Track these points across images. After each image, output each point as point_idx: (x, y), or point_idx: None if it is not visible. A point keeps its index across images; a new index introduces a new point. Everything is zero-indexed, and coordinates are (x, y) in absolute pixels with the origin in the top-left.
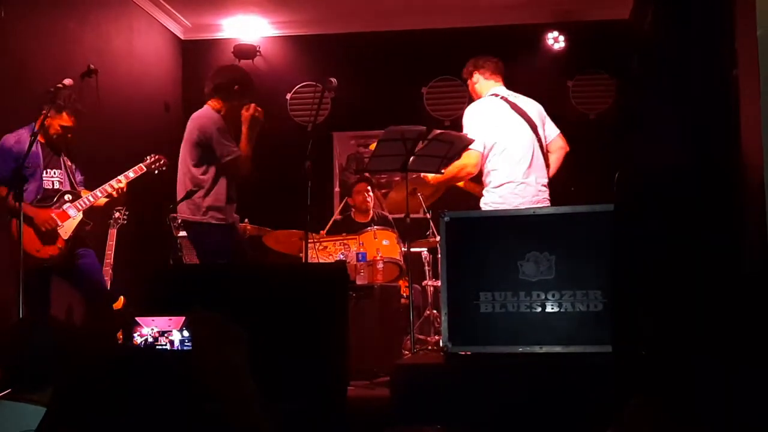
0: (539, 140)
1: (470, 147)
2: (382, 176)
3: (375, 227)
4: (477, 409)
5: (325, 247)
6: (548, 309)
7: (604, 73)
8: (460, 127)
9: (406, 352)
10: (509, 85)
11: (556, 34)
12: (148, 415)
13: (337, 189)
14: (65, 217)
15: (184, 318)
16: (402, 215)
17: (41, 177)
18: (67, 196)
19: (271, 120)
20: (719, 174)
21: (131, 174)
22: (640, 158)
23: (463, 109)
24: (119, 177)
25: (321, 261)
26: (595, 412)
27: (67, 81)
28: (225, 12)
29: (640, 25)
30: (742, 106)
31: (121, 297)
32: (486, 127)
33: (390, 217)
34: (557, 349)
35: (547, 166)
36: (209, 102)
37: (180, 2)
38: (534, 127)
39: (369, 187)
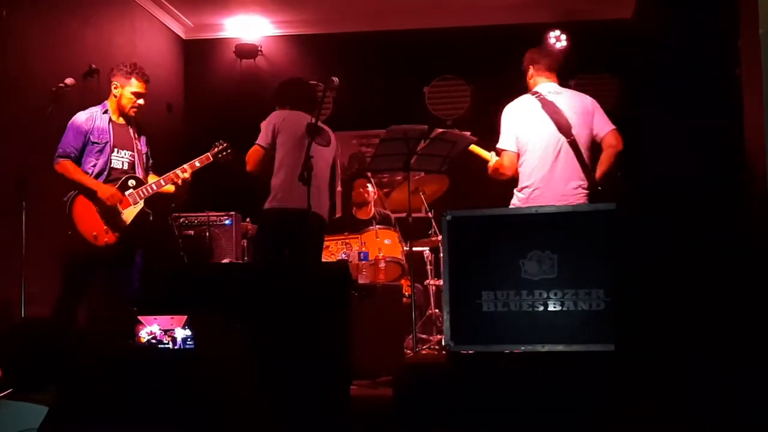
0: (571, 140)
1: (505, 148)
2: (384, 176)
3: (377, 226)
4: (479, 408)
5: (327, 247)
6: (550, 308)
7: (606, 72)
8: (462, 127)
9: (408, 352)
10: (555, 79)
11: (558, 33)
12: (150, 414)
13: (339, 189)
14: (126, 203)
15: (186, 317)
16: (404, 214)
17: (110, 155)
18: (131, 182)
19: None
20: (722, 173)
21: (197, 163)
22: (643, 157)
23: (464, 109)
24: (184, 166)
25: (323, 260)
26: (597, 411)
27: (70, 80)
28: (227, 11)
29: (642, 25)
30: (744, 105)
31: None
32: (513, 127)
33: (392, 216)
34: (560, 348)
35: (588, 165)
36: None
37: (182, 2)
38: (565, 127)
39: (368, 184)
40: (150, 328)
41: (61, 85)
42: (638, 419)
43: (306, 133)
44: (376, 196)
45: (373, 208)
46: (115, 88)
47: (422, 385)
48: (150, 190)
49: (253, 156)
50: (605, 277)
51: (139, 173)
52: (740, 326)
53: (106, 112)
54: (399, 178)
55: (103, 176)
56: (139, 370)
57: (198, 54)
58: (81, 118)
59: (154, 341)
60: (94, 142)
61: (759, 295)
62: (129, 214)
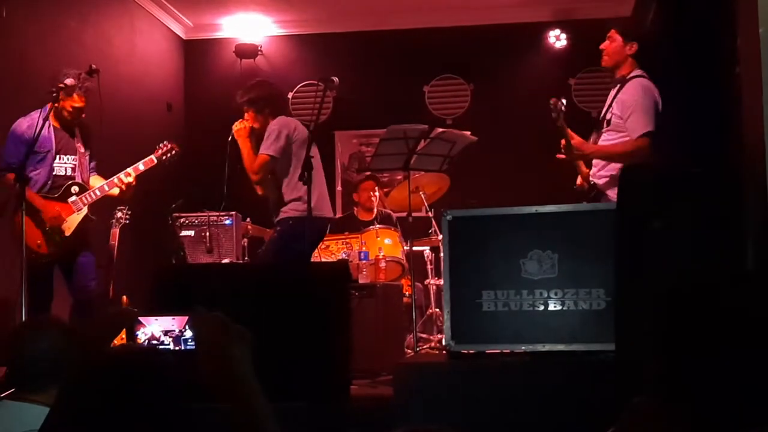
0: (597, 136)
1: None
2: (384, 175)
3: (377, 226)
4: (480, 407)
5: (328, 246)
6: (551, 307)
7: (606, 70)
8: (462, 126)
9: (409, 351)
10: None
11: (557, 32)
12: (152, 415)
13: (339, 188)
14: (69, 211)
15: (187, 317)
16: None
17: (52, 163)
18: (74, 188)
19: None
20: (722, 171)
21: (141, 167)
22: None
23: (464, 108)
24: (128, 170)
25: (323, 260)
26: (597, 411)
27: (69, 81)
28: (226, 11)
29: (642, 23)
30: (744, 104)
31: (124, 297)
32: None
33: (394, 216)
34: (560, 347)
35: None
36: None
37: (182, 2)
38: (599, 123)
39: (376, 187)
40: (150, 329)
41: (61, 85)
42: (639, 419)
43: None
44: (380, 198)
45: (375, 209)
46: (59, 95)
47: (422, 385)
48: (94, 196)
49: (263, 167)
50: (605, 276)
51: (81, 177)
52: (742, 326)
53: (46, 118)
54: (399, 177)
55: (48, 185)
56: (141, 371)
57: (198, 54)
58: (22, 126)
59: (155, 342)
60: (36, 152)
61: (761, 294)
62: (72, 222)
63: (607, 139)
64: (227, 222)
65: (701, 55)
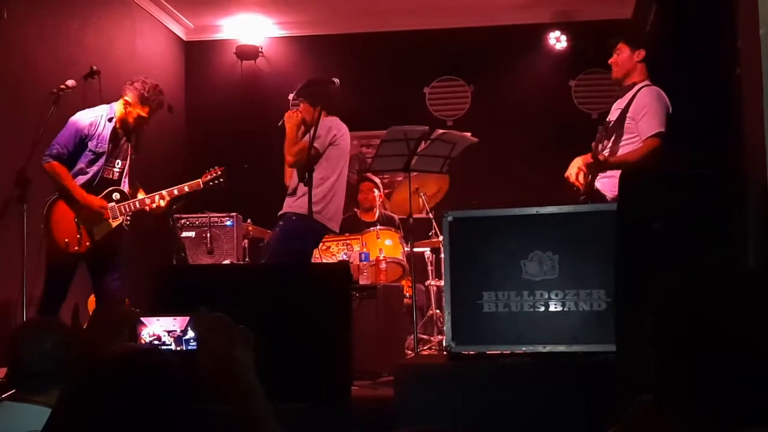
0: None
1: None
2: (385, 176)
3: (378, 227)
4: (480, 408)
5: (328, 247)
6: (551, 308)
7: (606, 72)
8: (463, 127)
9: (410, 352)
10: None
11: (558, 33)
12: (154, 415)
13: None
14: (106, 215)
15: (188, 317)
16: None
17: (103, 165)
18: (116, 195)
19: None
20: (722, 172)
21: (186, 188)
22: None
23: (464, 110)
24: (173, 189)
25: (324, 261)
26: (598, 411)
27: (70, 82)
28: (227, 13)
29: (642, 25)
30: (744, 105)
31: (126, 300)
32: None
33: (396, 217)
34: (561, 348)
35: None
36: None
37: (182, 3)
38: (606, 126)
39: (374, 188)
40: (152, 329)
41: (62, 86)
42: (640, 420)
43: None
44: (381, 200)
45: (377, 211)
46: (126, 102)
47: (423, 386)
48: (132, 207)
49: (302, 152)
50: (606, 277)
51: (125, 186)
52: (743, 326)
53: (111, 119)
54: (400, 178)
55: (92, 186)
56: (143, 371)
57: (199, 55)
58: (84, 120)
59: (156, 342)
60: (91, 150)
61: (762, 293)
62: (105, 227)
63: (626, 142)
64: (228, 223)
65: (702, 57)
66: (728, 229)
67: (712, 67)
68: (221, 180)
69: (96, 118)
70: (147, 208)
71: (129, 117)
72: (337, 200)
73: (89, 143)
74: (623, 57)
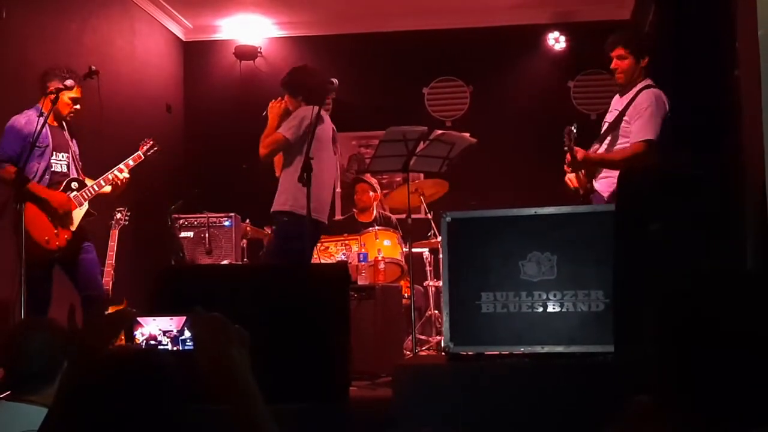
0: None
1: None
2: (383, 176)
3: (377, 227)
4: (479, 408)
5: (327, 248)
6: (550, 309)
7: (605, 73)
8: (461, 128)
9: (408, 353)
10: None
11: (557, 34)
12: (151, 415)
13: (338, 190)
14: (72, 206)
15: (184, 317)
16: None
17: (50, 159)
18: (74, 184)
19: None
20: (720, 173)
21: (131, 162)
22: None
23: (463, 110)
24: (120, 166)
25: (322, 261)
26: (596, 412)
27: (69, 82)
28: (226, 13)
29: (641, 26)
30: (743, 106)
31: (124, 300)
32: None
33: (393, 218)
34: (559, 349)
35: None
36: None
37: (181, 3)
38: (603, 132)
39: (370, 190)
40: (148, 329)
41: (61, 86)
42: (638, 420)
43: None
44: (377, 200)
45: (375, 211)
46: (50, 91)
47: (422, 386)
48: (92, 192)
49: (274, 144)
50: (604, 278)
51: (74, 174)
52: (743, 326)
53: (41, 115)
54: (398, 179)
55: (45, 180)
56: (140, 371)
57: (197, 55)
58: (21, 121)
59: (153, 342)
60: (37, 146)
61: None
62: (76, 217)
63: (620, 143)
64: (226, 223)
65: (700, 58)
66: (727, 230)
67: (711, 67)
68: (156, 149)
69: (29, 117)
70: (108, 187)
71: (62, 107)
72: (318, 192)
73: (33, 140)
74: (628, 63)
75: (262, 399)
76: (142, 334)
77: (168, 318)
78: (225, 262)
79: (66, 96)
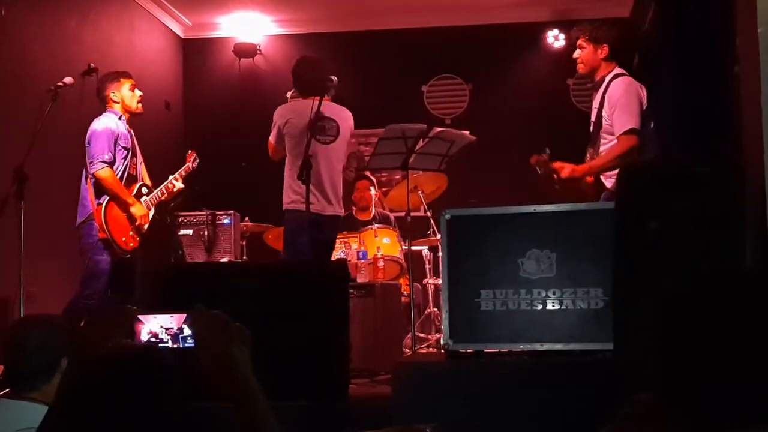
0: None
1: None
2: (383, 174)
3: (376, 225)
4: (478, 406)
5: None
6: (549, 306)
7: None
8: (461, 125)
9: (407, 350)
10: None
11: (556, 32)
12: (152, 413)
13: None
14: (147, 219)
15: (185, 315)
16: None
17: (130, 161)
18: (144, 189)
19: None
20: (720, 170)
21: (183, 172)
22: (642, 155)
23: (462, 108)
24: (176, 175)
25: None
26: (596, 410)
27: (68, 80)
28: (225, 10)
29: (640, 23)
30: (742, 104)
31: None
32: None
33: (392, 216)
34: (558, 346)
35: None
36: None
37: (181, 1)
38: (592, 134)
39: (371, 186)
40: (149, 326)
41: (60, 84)
42: (637, 418)
43: (307, 130)
44: (377, 198)
45: (373, 209)
46: (113, 94)
47: (421, 384)
48: (158, 197)
49: (270, 147)
50: (604, 275)
51: (141, 178)
52: (742, 325)
53: (120, 118)
54: (397, 177)
55: (123, 182)
56: (141, 369)
57: (197, 53)
58: (111, 123)
59: (153, 340)
60: (123, 147)
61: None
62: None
63: (605, 142)
64: (226, 221)
65: (700, 55)
66: (726, 228)
67: (711, 65)
68: (197, 161)
69: (112, 118)
70: (167, 194)
71: (126, 101)
72: (316, 186)
73: (120, 142)
74: (587, 53)
75: (263, 396)
76: (143, 332)
77: (169, 315)
78: (224, 259)
79: (125, 89)
